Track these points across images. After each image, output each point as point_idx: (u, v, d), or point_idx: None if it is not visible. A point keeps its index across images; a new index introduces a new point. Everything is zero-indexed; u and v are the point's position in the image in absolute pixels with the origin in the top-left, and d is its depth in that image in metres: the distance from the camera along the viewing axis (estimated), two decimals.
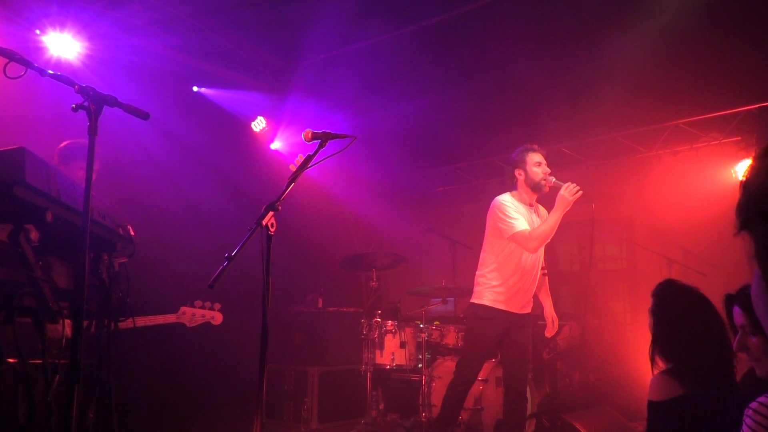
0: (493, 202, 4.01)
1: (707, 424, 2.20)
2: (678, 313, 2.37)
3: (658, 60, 5.48)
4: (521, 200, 4.02)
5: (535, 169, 3.96)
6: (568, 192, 3.69)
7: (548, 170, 3.96)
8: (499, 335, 3.97)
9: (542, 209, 4.16)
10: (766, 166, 1.04)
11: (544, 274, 4.20)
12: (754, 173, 1.06)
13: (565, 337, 6.23)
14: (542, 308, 4.23)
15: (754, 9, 4.93)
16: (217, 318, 3.74)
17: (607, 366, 6.19)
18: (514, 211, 3.90)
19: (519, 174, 4.02)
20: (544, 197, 4.12)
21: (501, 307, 3.94)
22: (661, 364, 2.40)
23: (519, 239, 3.84)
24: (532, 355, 5.42)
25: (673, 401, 2.24)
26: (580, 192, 3.70)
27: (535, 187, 3.97)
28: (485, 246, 4.10)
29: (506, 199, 3.97)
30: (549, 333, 4.15)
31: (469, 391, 4.08)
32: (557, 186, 3.82)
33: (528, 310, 4.05)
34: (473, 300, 4.07)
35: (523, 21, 5.58)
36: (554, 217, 3.76)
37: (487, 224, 4.07)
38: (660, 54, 5.37)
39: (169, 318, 3.62)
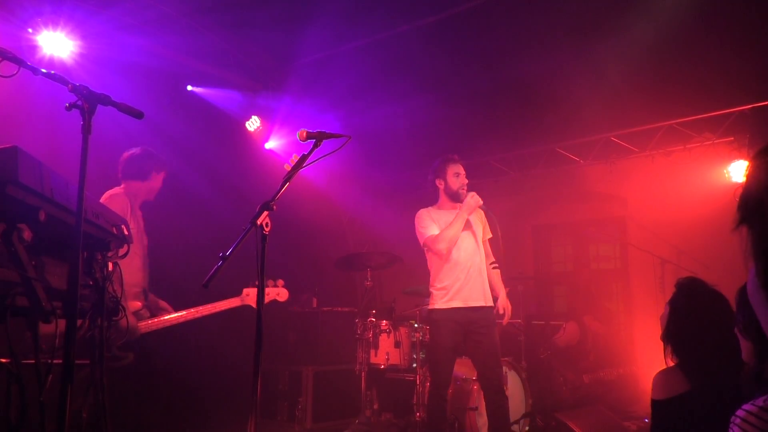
0: None
1: (709, 424, 2.18)
2: (692, 308, 2.35)
3: (652, 60, 5.50)
4: (444, 208, 4.24)
5: (454, 179, 4.19)
6: (474, 200, 4.03)
7: (466, 181, 4.20)
8: (457, 334, 4.03)
9: (482, 213, 4.31)
10: (765, 164, 1.04)
11: (494, 268, 4.32)
12: (754, 171, 1.06)
13: (562, 336, 6.25)
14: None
15: (748, 10, 4.95)
16: (282, 294, 3.79)
17: (602, 367, 6.21)
18: (427, 219, 4.16)
19: (439, 183, 4.25)
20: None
21: (450, 305, 4.04)
22: (670, 361, 2.39)
23: (429, 243, 4.08)
24: (527, 355, 5.46)
25: (677, 399, 2.23)
26: (481, 202, 4.06)
27: (453, 195, 4.18)
28: (427, 258, 4.30)
29: (422, 211, 4.24)
30: (504, 321, 4.24)
31: (447, 393, 4.10)
32: (485, 211, 4.21)
33: (483, 303, 4.09)
34: (429, 307, 4.23)
35: (518, 21, 5.59)
36: (458, 221, 4.02)
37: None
38: (653, 54, 5.39)
39: (234, 302, 3.66)
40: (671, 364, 2.39)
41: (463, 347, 4.13)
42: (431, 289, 4.20)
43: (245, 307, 3.82)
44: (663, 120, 6.29)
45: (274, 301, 3.80)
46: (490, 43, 5.85)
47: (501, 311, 4.19)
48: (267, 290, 3.73)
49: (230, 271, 2.40)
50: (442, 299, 4.08)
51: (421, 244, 4.18)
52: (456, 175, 4.18)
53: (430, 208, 4.28)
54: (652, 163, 6.59)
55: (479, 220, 4.29)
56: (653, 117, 6.30)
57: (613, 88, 5.64)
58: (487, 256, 4.30)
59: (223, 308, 3.64)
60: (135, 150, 3.94)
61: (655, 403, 2.31)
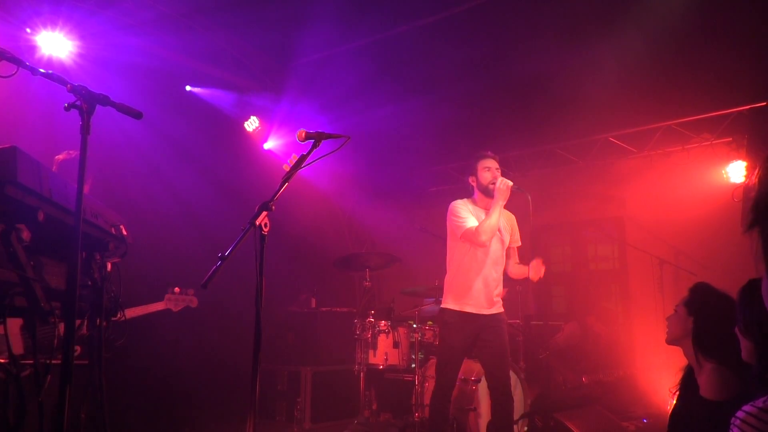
0: (448, 208, 4.17)
1: None
2: (717, 312, 2.35)
3: (651, 61, 5.51)
4: (479, 205, 4.15)
5: (485, 174, 4.10)
6: (503, 184, 3.94)
7: (497, 175, 4.09)
8: (469, 337, 3.99)
9: (505, 212, 4.22)
10: None
11: (517, 263, 4.24)
12: (763, 173, 1.06)
13: (562, 336, 6.25)
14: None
15: (746, 11, 4.96)
16: (194, 302, 4.06)
17: (602, 368, 6.21)
18: (465, 211, 4.06)
19: (472, 181, 4.18)
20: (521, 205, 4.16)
21: (466, 309, 3.99)
22: (703, 361, 2.37)
23: (469, 235, 3.98)
24: (526, 355, 5.46)
25: (734, 400, 2.20)
26: (511, 184, 3.95)
27: (485, 191, 4.09)
28: (449, 251, 4.21)
29: (458, 202, 4.14)
30: (535, 276, 4.01)
31: (451, 394, 4.07)
32: (517, 191, 4.01)
33: (498, 310, 4.08)
34: (441, 305, 4.14)
35: (516, 22, 5.59)
36: (494, 209, 3.95)
37: (447, 229, 4.20)
38: (652, 55, 5.40)
39: (159, 305, 3.91)
40: (706, 365, 2.35)
41: (472, 349, 4.10)
42: (446, 285, 4.12)
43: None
44: (661, 120, 6.30)
45: (188, 308, 4.05)
46: (489, 43, 5.85)
47: (534, 273, 4.00)
48: (181, 297, 3.98)
49: (226, 271, 2.40)
50: (457, 301, 4.01)
51: (458, 236, 4.03)
52: (486, 170, 4.08)
53: (465, 199, 4.18)
54: (651, 163, 6.60)
55: (509, 226, 4.21)
56: (652, 118, 6.30)
57: (612, 88, 5.64)
58: (511, 257, 4.23)
59: (151, 311, 3.86)
60: (75, 152, 3.85)
61: (712, 404, 2.26)
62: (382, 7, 5.55)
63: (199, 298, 4.04)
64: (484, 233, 3.91)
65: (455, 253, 4.13)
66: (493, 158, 4.15)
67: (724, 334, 2.29)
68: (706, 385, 2.34)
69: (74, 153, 3.79)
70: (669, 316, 2.57)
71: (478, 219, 4.03)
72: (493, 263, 4.05)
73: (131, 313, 3.74)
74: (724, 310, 2.33)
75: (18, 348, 2.45)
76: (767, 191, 1.05)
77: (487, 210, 4.07)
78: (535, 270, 3.99)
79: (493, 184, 4.02)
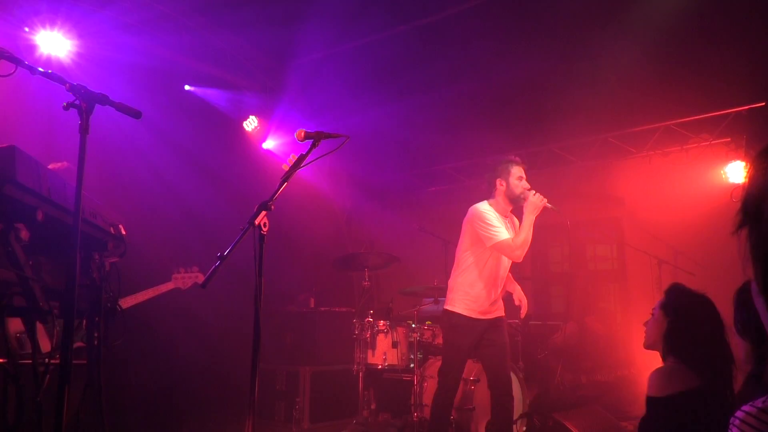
0: (471, 210, 4.03)
1: (705, 423, 2.20)
2: (691, 312, 2.40)
3: (650, 61, 5.51)
4: (498, 209, 4.05)
5: (516, 182, 4.01)
6: (537, 199, 3.86)
7: (528, 185, 4.01)
8: (475, 340, 3.98)
9: (516, 219, 4.19)
10: (763, 167, 1.04)
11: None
12: (754, 173, 1.06)
13: (561, 336, 6.25)
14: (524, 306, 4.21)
15: (745, 11, 4.97)
16: (200, 278, 4.17)
17: (601, 368, 6.21)
18: (495, 220, 3.94)
19: (501, 184, 4.05)
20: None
21: (474, 315, 3.95)
22: (670, 360, 2.41)
23: (503, 248, 3.88)
24: (524, 355, 5.46)
25: (681, 395, 2.24)
26: (545, 200, 3.87)
27: (514, 199, 4.02)
28: (462, 253, 4.09)
29: (485, 208, 4.00)
30: (522, 313, 4.12)
31: (454, 397, 4.05)
32: (551, 210, 3.94)
33: (500, 313, 4.07)
34: (447, 307, 4.05)
35: (514, 22, 5.60)
36: (528, 225, 3.86)
37: (465, 231, 4.08)
38: (651, 55, 5.40)
39: (169, 285, 4.03)
40: (667, 362, 2.41)
41: (475, 350, 4.09)
42: (456, 287, 4.04)
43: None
44: (660, 121, 6.30)
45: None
46: (488, 43, 5.85)
47: (518, 302, 4.09)
48: (188, 275, 4.10)
49: (225, 270, 2.40)
50: (467, 306, 3.96)
51: (488, 245, 3.90)
52: (520, 179, 4.00)
53: (487, 204, 4.04)
54: (650, 163, 6.60)
55: (513, 231, 4.11)
56: (651, 118, 6.31)
57: (611, 88, 5.65)
58: None
59: (160, 291, 3.97)
60: (68, 164, 3.81)
61: (653, 400, 2.32)
62: (381, 7, 5.54)
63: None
64: (520, 249, 3.83)
65: (471, 258, 4.01)
66: (523, 166, 4.07)
67: (695, 333, 2.37)
68: (650, 382, 2.37)
69: (68, 165, 3.80)
70: (646, 321, 2.58)
71: (503, 226, 3.96)
72: (504, 270, 4.04)
73: (142, 296, 3.86)
74: (699, 310, 2.40)
75: (45, 346, 2.46)
76: (756, 191, 1.04)
77: (505, 217, 4.04)
78: (523, 307, 4.09)
79: (525, 195, 3.92)
